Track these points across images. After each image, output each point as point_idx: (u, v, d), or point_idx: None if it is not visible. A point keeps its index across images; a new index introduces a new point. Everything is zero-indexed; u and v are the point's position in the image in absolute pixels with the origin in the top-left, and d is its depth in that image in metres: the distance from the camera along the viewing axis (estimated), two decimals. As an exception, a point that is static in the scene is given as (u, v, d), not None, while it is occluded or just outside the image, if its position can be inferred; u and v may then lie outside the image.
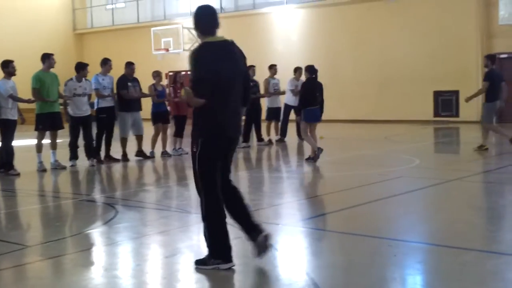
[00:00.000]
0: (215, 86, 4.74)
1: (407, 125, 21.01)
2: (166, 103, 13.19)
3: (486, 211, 7.23)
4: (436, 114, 22.17)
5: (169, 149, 13.09)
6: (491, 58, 12.72)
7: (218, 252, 4.82)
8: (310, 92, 11.47)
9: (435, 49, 21.76)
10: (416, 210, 7.27)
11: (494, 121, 12.81)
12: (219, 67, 4.77)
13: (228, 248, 4.84)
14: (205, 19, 5.01)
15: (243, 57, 5.00)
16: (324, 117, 24.33)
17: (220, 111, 4.77)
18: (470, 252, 5.20)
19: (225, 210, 4.88)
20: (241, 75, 4.94)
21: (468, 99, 13.11)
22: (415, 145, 14.64)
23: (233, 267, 4.83)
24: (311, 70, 11.70)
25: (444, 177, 9.47)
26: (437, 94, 22.13)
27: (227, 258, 4.83)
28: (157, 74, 12.96)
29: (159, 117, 12.77)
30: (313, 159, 11.29)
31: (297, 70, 15.72)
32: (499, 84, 12.49)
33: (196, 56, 4.83)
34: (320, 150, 11.25)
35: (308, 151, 11.90)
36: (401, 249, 5.39)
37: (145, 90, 12.81)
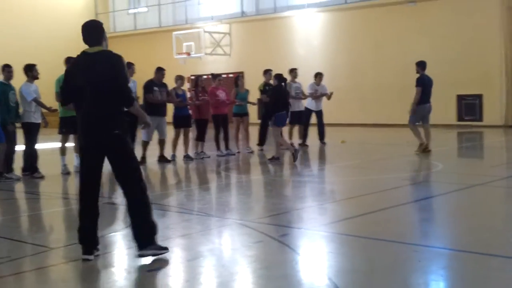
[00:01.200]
0: (72, 95, 5.35)
1: (430, 129, 20.81)
2: (188, 107, 13.21)
3: (510, 216, 7.12)
4: (460, 118, 21.95)
5: (191, 152, 13.13)
6: (421, 65, 13.36)
7: (79, 239, 5.33)
8: (279, 99, 12.31)
9: (458, 53, 21.56)
10: (440, 215, 7.20)
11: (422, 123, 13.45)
12: (72, 77, 5.30)
13: (85, 238, 5.29)
14: (83, 33, 5.39)
15: (110, 66, 5.24)
16: (344, 121, 24.37)
17: (80, 117, 5.30)
18: (495, 259, 5.13)
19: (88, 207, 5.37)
20: (98, 83, 5.19)
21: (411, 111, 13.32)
22: (438, 150, 14.48)
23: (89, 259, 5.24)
24: (280, 78, 12.57)
25: (468, 182, 9.37)
26: (460, 98, 21.91)
27: (85, 248, 5.28)
28: (178, 78, 12.98)
29: (181, 121, 12.81)
30: (277, 158, 12.10)
31: (317, 75, 15.85)
32: (430, 89, 13.20)
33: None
34: (297, 151, 12.23)
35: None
36: (425, 254, 5.33)
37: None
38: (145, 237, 5.30)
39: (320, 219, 7.05)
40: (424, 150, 12.86)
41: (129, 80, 5.54)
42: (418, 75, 13.20)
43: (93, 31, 5.38)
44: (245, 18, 27.24)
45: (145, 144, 12.36)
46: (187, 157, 12.83)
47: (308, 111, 15.60)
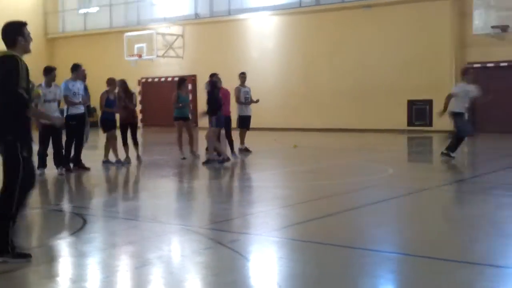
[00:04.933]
0: None
1: (382, 134, 21.13)
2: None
3: (458, 220, 7.25)
4: (410, 123, 22.33)
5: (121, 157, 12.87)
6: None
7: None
8: (216, 102, 12.65)
9: (410, 58, 21.96)
10: (389, 219, 7.26)
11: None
12: None
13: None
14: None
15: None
16: (298, 125, 24.51)
17: None
18: (442, 262, 5.18)
19: None
20: None
21: None
22: (388, 155, 14.70)
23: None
24: (213, 84, 12.87)
25: (417, 187, 9.49)
26: (411, 103, 22.30)
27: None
28: (110, 82, 12.76)
29: (109, 124, 12.60)
30: (223, 159, 12.44)
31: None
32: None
33: None
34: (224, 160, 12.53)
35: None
36: (373, 259, 5.36)
37: (98, 97, 12.67)
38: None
39: (271, 224, 7.01)
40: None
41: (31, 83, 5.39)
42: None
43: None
44: (199, 20, 27.09)
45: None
46: (117, 162, 12.55)
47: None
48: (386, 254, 5.56)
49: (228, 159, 12.60)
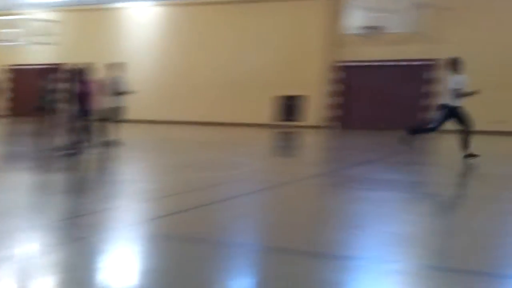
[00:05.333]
0: None
1: (251, 128, 21.51)
2: None
3: (313, 212, 7.54)
4: (279, 118, 22.96)
5: None
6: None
7: None
8: (75, 93, 12.62)
9: (283, 55, 22.53)
10: (247, 212, 7.40)
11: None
12: None
13: None
14: None
15: None
16: (173, 118, 24.44)
17: None
18: (296, 254, 5.35)
19: None
20: None
21: None
22: (256, 148, 15.01)
23: None
24: (74, 75, 12.95)
25: (280, 180, 9.76)
26: (280, 99, 22.93)
27: None
28: None
29: None
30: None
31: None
32: None
33: None
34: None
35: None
36: (230, 252, 5.45)
37: None
38: None
39: (129, 218, 6.92)
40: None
41: None
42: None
43: None
44: (77, 7, 26.22)
45: None
46: None
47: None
48: (242, 246, 5.66)
49: (80, 150, 12.35)
